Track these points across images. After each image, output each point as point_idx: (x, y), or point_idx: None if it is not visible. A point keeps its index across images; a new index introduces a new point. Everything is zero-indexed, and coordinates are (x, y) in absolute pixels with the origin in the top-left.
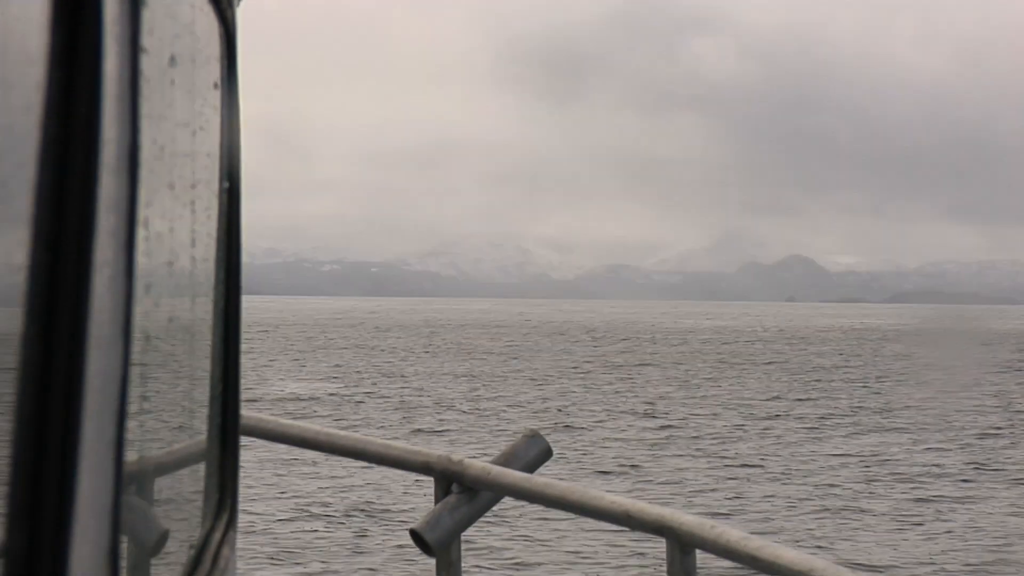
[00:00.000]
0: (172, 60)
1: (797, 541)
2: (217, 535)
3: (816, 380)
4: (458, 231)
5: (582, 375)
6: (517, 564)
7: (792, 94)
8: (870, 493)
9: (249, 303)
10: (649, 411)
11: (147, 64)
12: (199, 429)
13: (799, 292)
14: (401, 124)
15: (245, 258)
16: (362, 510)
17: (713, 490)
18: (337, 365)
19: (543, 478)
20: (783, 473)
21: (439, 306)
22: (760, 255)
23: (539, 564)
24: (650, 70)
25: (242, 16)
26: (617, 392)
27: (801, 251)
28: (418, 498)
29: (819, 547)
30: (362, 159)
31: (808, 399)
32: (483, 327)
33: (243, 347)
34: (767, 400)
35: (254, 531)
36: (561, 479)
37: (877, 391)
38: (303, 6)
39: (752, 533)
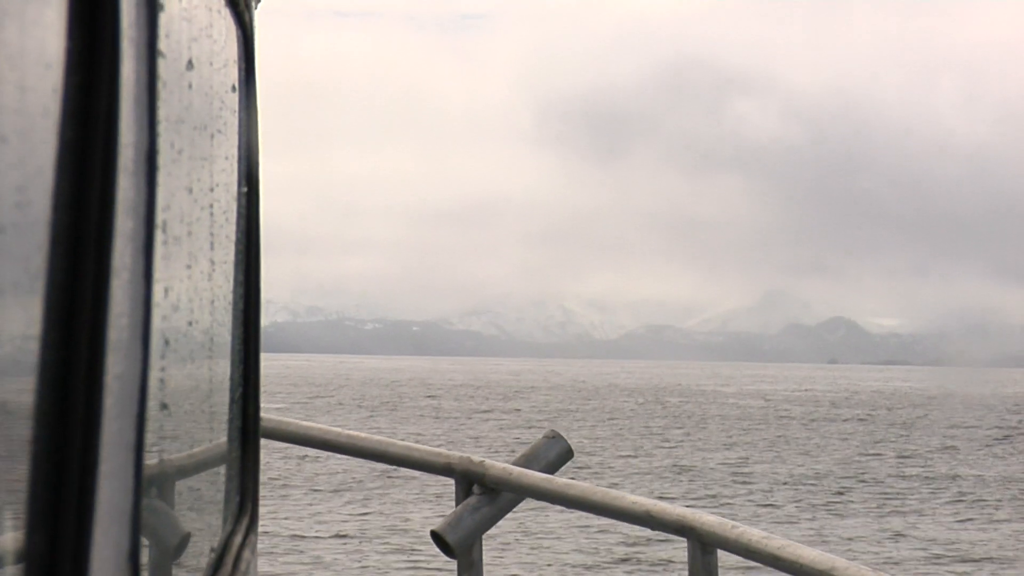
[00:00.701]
0: (190, 63)
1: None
2: (238, 538)
3: None
4: (500, 290)
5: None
6: (538, 564)
7: (835, 155)
8: None
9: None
10: None
11: (164, 67)
12: (219, 432)
13: (841, 354)
14: (443, 182)
15: (288, 316)
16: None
17: None
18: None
19: (564, 479)
20: None
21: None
22: (802, 316)
23: (560, 564)
24: (693, 130)
25: (260, 19)
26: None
27: (843, 313)
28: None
29: None
30: (404, 217)
31: None
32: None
33: (262, 349)
34: None
35: None
36: (581, 480)
37: None
38: (347, 64)
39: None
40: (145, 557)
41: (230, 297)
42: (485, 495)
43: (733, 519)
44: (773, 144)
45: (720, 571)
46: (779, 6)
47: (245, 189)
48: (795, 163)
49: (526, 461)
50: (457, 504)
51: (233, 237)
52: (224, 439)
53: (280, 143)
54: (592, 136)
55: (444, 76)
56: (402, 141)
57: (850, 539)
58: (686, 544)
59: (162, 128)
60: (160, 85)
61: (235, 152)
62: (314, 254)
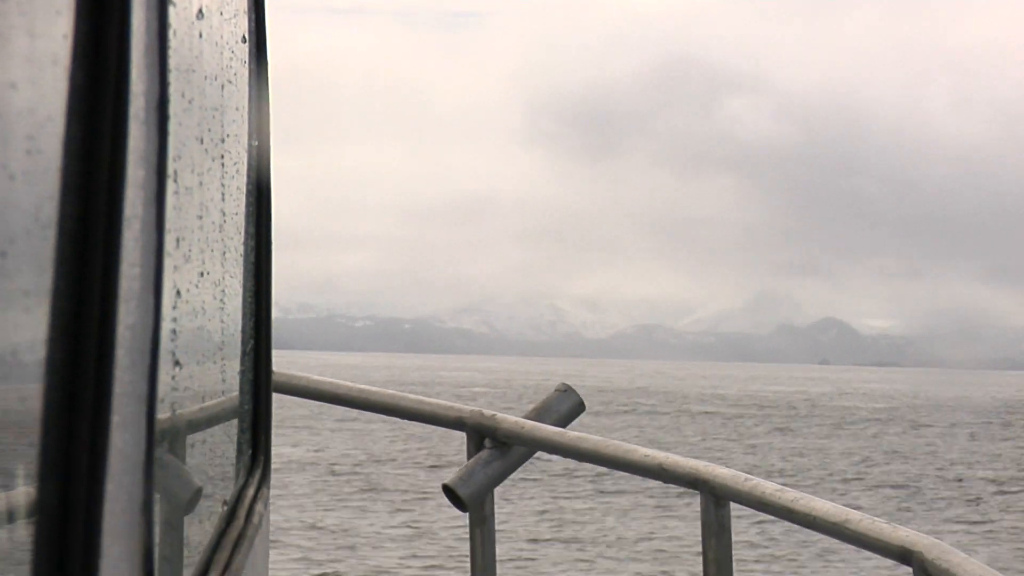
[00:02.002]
0: (200, 12)
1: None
2: (250, 491)
3: None
4: (491, 288)
5: None
6: (550, 517)
7: (828, 156)
8: None
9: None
10: None
11: (175, 17)
12: (231, 386)
13: (832, 355)
14: (434, 180)
15: (279, 312)
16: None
17: None
18: None
19: (576, 432)
20: None
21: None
22: (794, 317)
23: (572, 518)
24: (685, 129)
25: None
26: None
27: (834, 314)
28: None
29: None
30: (396, 214)
31: None
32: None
33: (273, 302)
34: None
35: None
36: (593, 433)
37: None
38: (339, 61)
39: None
40: (157, 510)
41: (241, 248)
42: (497, 449)
43: None
44: (765, 144)
45: (733, 523)
46: (773, 6)
47: (256, 140)
48: (787, 163)
49: (538, 414)
50: (468, 458)
51: (244, 188)
52: (236, 392)
53: (272, 140)
54: (585, 135)
55: (437, 74)
56: (395, 138)
57: None
58: (699, 497)
59: (172, 77)
60: (171, 33)
61: (246, 103)
62: (305, 251)
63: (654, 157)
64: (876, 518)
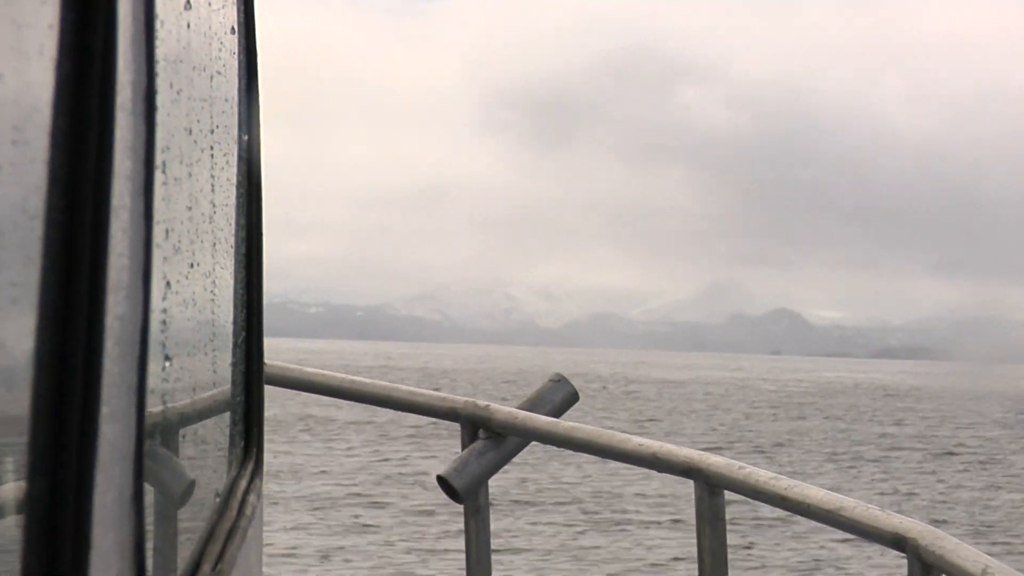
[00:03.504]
0: (188, 3)
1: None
2: (243, 483)
3: None
4: (445, 276)
5: None
6: (544, 508)
7: (782, 147)
8: None
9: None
10: None
11: (162, 7)
12: (223, 377)
13: (784, 345)
14: (388, 167)
15: None
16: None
17: None
18: None
19: (570, 422)
20: None
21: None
22: (746, 307)
23: (565, 507)
24: (640, 119)
25: None
26: None
27: (787, 304)
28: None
29: None
30: (350, 202)
31: None
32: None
33: (264, 294)
34: None
35: None
36: (587, 423)
37: None
38: (294, 47)
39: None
40: (149, 502)
41: (232, 239)
42: (491, 439)
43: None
44: (720, 134)
45: (728, 511)
46: None
47: (246, 130)
48: (741, 154)
49: (531, 405)
50: (463, 449)
51: (234, 179)
52: (228, 384)
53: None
54: (540, 124)
55: (394, 61)
56: (350, 125)
57: None
58: (693, 486)
59: (160, 68)
60: (158, 24)
61: (235, 94)
62: None
63: (609, 146)
64: (870, 505)
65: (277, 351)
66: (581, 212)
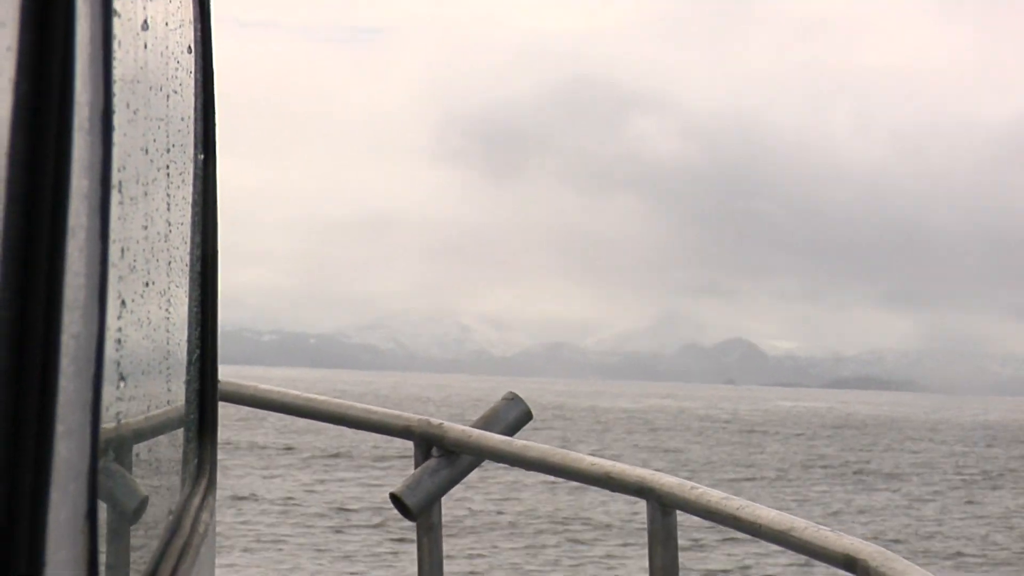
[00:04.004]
0: (145, 23)
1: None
2: (196, 500)
3: None
4: (397, 305)
5: None
6: (498, 526)
7: (733, 178)
8: None
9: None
10: None
11: (120, 27)
12: (177, 394)
13: (738, 375)
14: (341, 196)
15: None
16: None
17: None
18: None
19: (523, 441)
20: None
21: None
22: (699, 337)
23: (519, 526)
24: (591, 148)
25: None
26: None
27: (741, 334)
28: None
29: None
30: (302, 230)
31: None
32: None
33: (219, 312)
34: None
35: None
36: (540, 442)
37: None
38: (245, 75)
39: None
40: (103, 519)
41: (187, 259)
42: (444, 457)
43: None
44: (670, 164)
45: (680, 532)
46: (677, 27)
47: (202, 150)
48: (692, 184)
49: (485, 423)
50: (416, 467)
51: (190, 199)
52: (182, 402)
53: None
54: (490, 153)
55: (342, 90)
56: (301, 154)
57: None
58: (645, 505)
59: (117, 88)
60: (115, 44)
61: (191, 113)
62: None
63: (559, 175)
64: (821, 526)
65: (232, 377)
66: (532, 241)
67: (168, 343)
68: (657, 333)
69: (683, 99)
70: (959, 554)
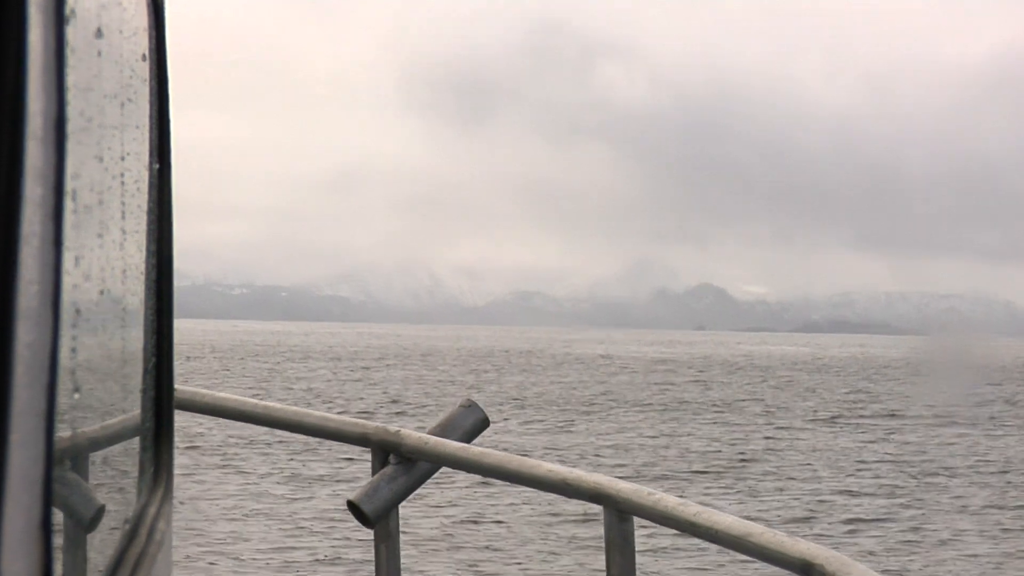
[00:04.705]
0: (99, 31)
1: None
2: (153, 509)
3: None
4: (368, 257)
5: None
6: (455, 534)
7: (702, 123)
8: None
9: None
10: None
11: (73, 34)
12: (133, 403)
13: (709, 320)
14: (309, 149)
15: None
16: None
17: None
18: None
19: (480, 448)
20: None
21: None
22: (670, 283)
23: (477, 533)
24: (559, 97)
25: None
26: None
27: (711, 280)
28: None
29: None
30: (269, 183)
31: None
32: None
33: (175, 321)
34: None
35: None
36: (498, 448)
37: None
38: (211, 27)
39: (687, 498)
40: (59, 528)
41: (142, 267)
42: (401, 465)
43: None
44: (639, 111)
45: (637, 539)
46: None
47: (157, 158)
48: (661, 131)
49: (442, 430)
50: (373, 474)
51: (145, 207)
52: (138, 410)
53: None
54: (458, 103)
55: (308, 42)
56: (267, 108)
57: None
58: (602, 512)
59: (71, 96)
60: (69, 52)
61: (146, 121)
62: (179, 219)
63: (529, 125)
64: (777, 531)
65: (208, 332)
66: (502, 191)
67: (123, 351)
68: (628, 280)
69: (651, 46)
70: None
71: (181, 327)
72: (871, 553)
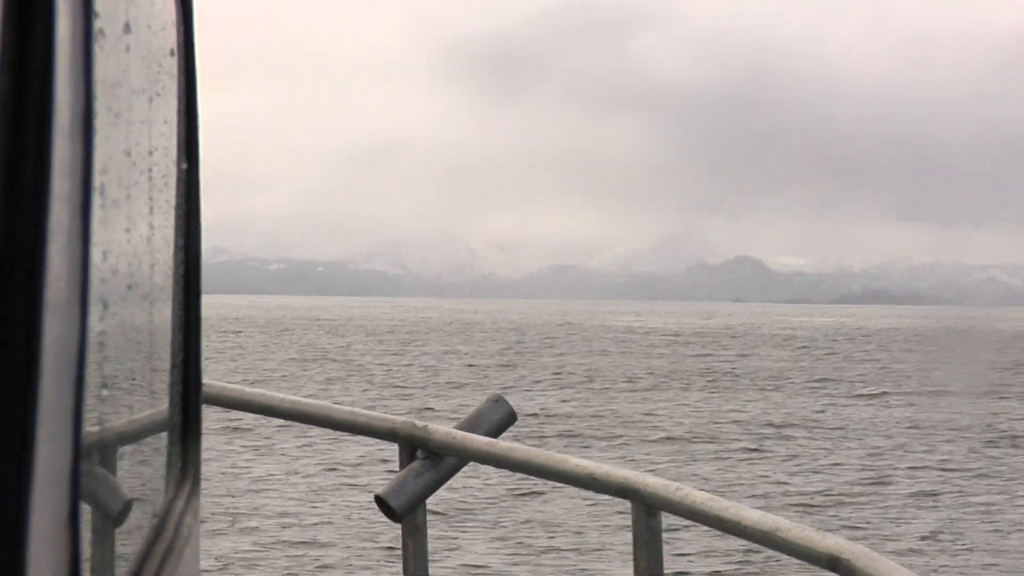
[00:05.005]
0: (127, 26)
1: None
2: (180, 504)
3: None
4: (404, 230)
5: None
6: (482, 528)
7: (737, 93)
8: None
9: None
10: None
11: (101, 30)
12: (161, 397)
13: (746, 293)
14: (345, 123)
15: None
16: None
17: None
18: None
19: (507, 442)
20: None
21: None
22: (707, 256)
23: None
24: (593, 68)
25: None
26: None
27: (748, 252)
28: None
29: None
30: (305, 158)
31: None
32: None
33: (203, 315)
34: None
35: None
36: (525, 443)
37: None
38: (245, 3)
39: (716, 494)
40: (86, 522)
41: (170, 262)
42: (429, 459)
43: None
44: (674, 82)
45: (664, 533)
46: None
47: (184, 153)
48: (696, 101)
49: (470, 425)
50: (401, 468)
51: (173, 202)
52: (166, 405)
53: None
54: (493, 75)
55: (343, 15)
56: (302, 82)
57: None
58: (630, 507)
59: (99, 91)
60: (96, 47)
61: (174, 116)
62: (216, 195)
63: (563, 97)
64: (805, 526)
65: (236, 307)
66: (537, 164)
67: (151, 346)
68: (664, 253)
69: (686, 14)
70: None
71: (226, 303)
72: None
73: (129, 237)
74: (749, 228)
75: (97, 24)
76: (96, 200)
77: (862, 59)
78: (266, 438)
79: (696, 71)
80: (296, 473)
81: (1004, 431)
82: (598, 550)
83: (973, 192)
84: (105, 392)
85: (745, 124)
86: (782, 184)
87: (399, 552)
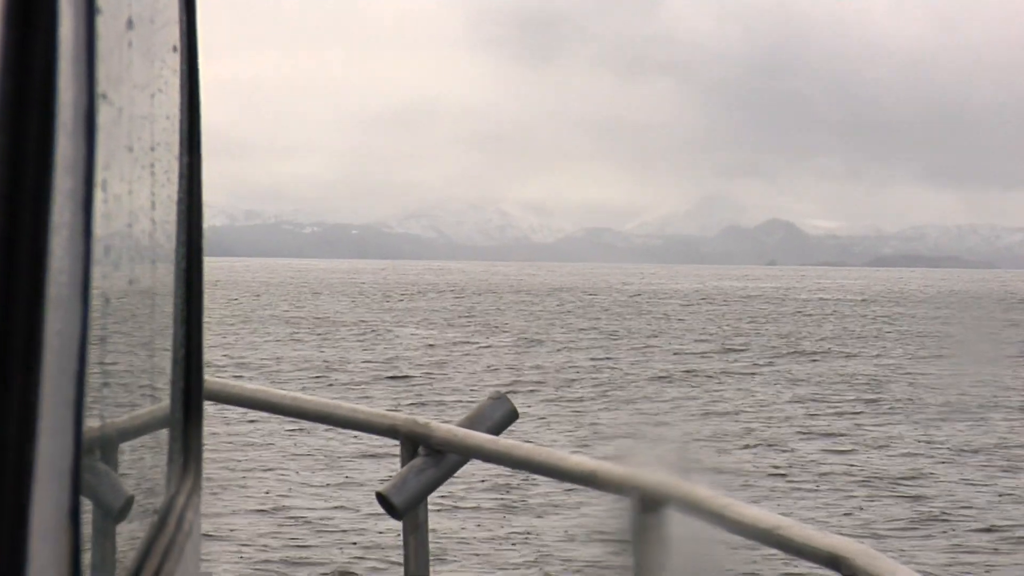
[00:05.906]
0: (129, 22)
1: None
2: (181, 500)
3: None
4: (438, 194)
5: None
6: (484, 525)
7: (770, 57)
8: None
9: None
10: None
11: (103, 25)
12: (162, 393)
13: (779, 256)
14: (379, 87)
15: (226, 220)
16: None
17: None
18: None
19: (509, 440)
20: None
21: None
22: (740, 219)
23: (506, 525)
24: (628, 32)
25: None
26: None
27: (781, 215)
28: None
29: None
30: (340, 122)
31: None
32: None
33: (205, 311)
34: None
35: None
36: (527, 441)
37: None
38: None
39: (719, 491)
40: (87, 518)
41: (172, 257)
42: (430, 457)
43: None
44: (707, 47)
45: (664, 530)
46: None
47: (187, 148)
48: (729, 65)
49: (471, 422)
50: (402, 466)
51: (175, 197)
52: (167, 400)
53: (210, 48)
54: (527, 39)
55: None
56: (336, 47)
57: None
58: (630, 503)
59: (101, 87)
60: (99, 43)
61: (176, 112)
62: (251, 159)
63: (598, 61)
64: (806, 524)
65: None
66: (571, 127)
67: (153, 341)
68: (698, 216)
69: None
70: None
71: (263, 265)
72: None
73: (131, 232)
74: (782, 191)
75: (100, 20)
76: (98, 195)
77: (896, 22)
78: (266, 435)
79: (728, 35)
80: (296, 471)
81: None
82: (596, 546)
83: (1006, 155)
84: (107, 387)
85: (778, 88)
86: (815, 147)
87: (400, 549)
